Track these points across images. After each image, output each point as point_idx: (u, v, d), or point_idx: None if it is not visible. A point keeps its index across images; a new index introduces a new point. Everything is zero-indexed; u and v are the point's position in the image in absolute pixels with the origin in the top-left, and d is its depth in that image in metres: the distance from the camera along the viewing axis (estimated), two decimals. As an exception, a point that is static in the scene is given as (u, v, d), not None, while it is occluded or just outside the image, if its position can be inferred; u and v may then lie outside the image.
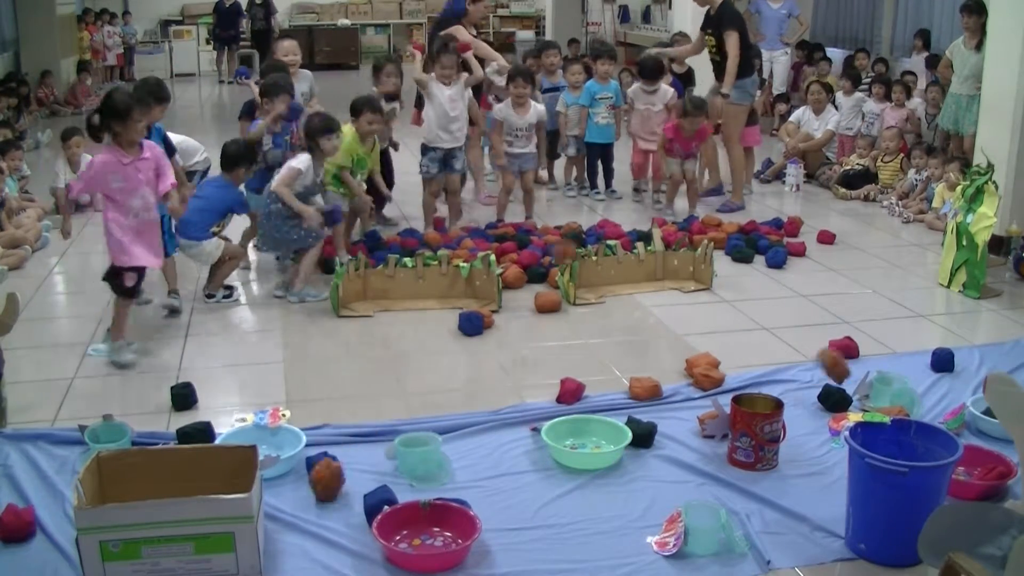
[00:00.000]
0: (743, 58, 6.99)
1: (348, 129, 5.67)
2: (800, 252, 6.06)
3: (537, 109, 6.62)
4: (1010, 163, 5.76)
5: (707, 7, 7.06)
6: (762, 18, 10.16)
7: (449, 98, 6.11)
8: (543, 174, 7.68)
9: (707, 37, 7.13)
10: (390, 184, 6.54)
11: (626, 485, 3.34)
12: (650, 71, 7.19)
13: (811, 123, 8.32)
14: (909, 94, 8.48)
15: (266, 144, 5.63)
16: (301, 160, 5.17)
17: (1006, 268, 5.66)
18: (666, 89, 7.15)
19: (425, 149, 6.25)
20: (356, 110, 5.77)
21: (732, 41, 6.89)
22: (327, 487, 3.21)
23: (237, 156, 5.44)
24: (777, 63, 10.19)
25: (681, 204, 7.06)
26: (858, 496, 2.93)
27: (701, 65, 7.83)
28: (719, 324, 4.94)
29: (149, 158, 4.46)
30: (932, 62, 9.31)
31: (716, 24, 7.02)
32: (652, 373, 4.10)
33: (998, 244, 5.71)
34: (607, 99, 7.26)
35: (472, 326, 4.72)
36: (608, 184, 7.60)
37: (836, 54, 11.69)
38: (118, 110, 4.30)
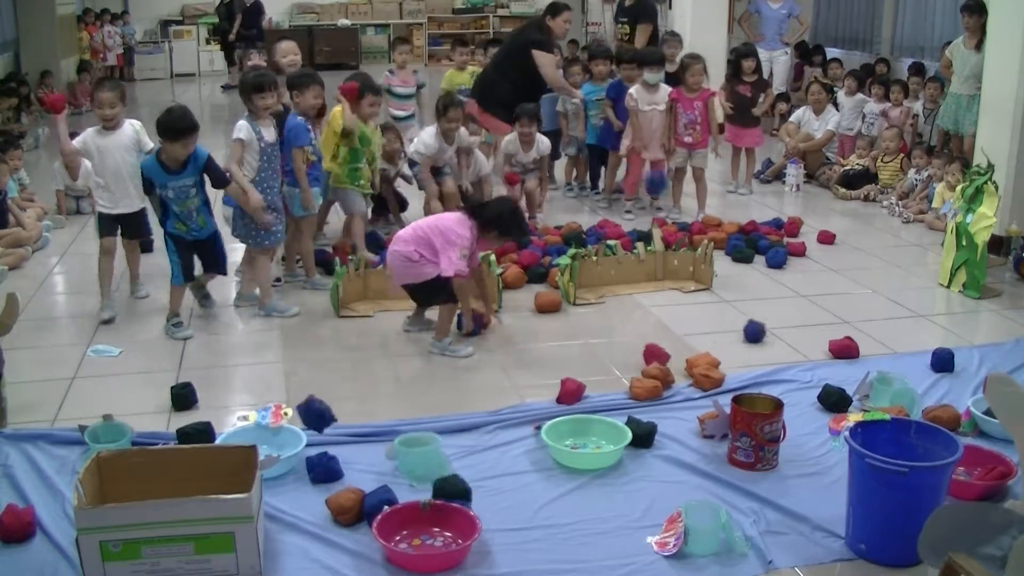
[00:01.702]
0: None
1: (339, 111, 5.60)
2: (800, 252, 6.06)
3: (541, 143, 6.69)
4: (1010, 163, 5.76)
5: None
6: (762, 18, 10.17)
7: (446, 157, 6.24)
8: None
9: (621, 26, 8.17)
10: (402, 205, 6.70)
11: (626, 485, 3.34)
12: (654, 59, 6.83)
13: (811, 123, 8.32)
14: (907, 94, 8.47)
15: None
16: (240, 128, 4.90)
17: (1006, 268, 5.66)
18: (665, 87, 6.88)
19: (412, 162, 6.32)
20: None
21: (643, 32, 7.92)
22: (349, 513, 3.09)
23: None
24: (777, 63, 10.18)
25: (687, 204, 7.07)
26: (858, 496, 2.93)
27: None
28: (719, 324, 4.94)
29: None
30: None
31: (633, 15, 8.16)
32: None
33: (998, 244, 5.71)
34: (604, 100, 7.22)
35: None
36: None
37: (835, 54, 11.69)
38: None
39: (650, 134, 6.84)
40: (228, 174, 4.86)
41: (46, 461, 3.46)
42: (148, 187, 4.77)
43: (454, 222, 4.56)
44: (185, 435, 3.52)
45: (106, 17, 15.46)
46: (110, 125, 4.94)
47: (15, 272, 5.78)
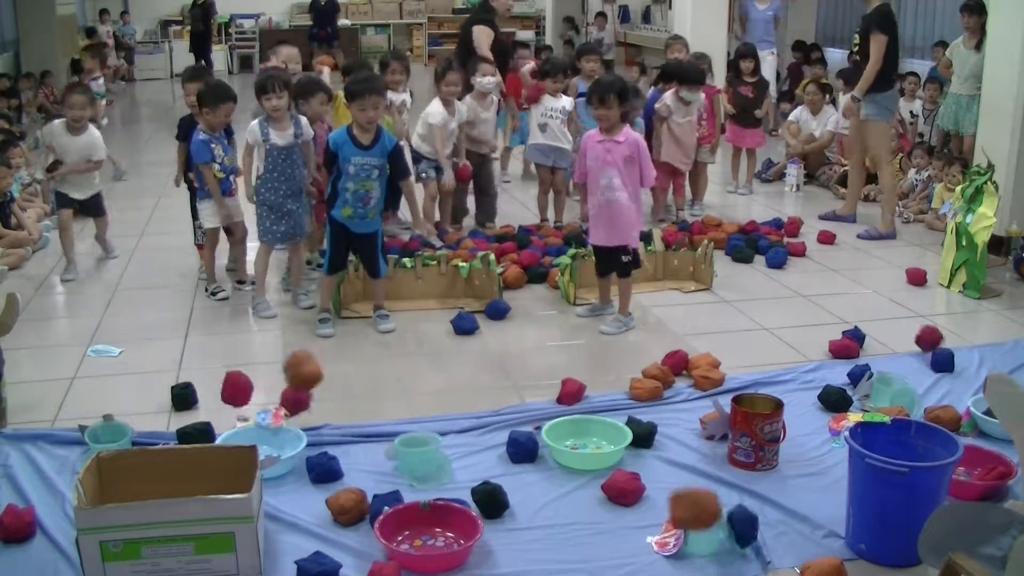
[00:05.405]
0: (885, 69, 6.31)
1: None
2: (800, 252, 6.07)
3: (569, 99, 6.51)
4: (1010, 163, 5.76)
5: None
6: (749, 19, 10.21)
7: (449, 132, 6.12)
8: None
9: (856, 35, 6.58)
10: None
11: (626, 485, 3.34)
12: (695, 76, 6.63)
13: (809, 123, 8.32)
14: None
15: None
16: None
17: (1006, 268, 5.67)
18: (699, 96, 6.76)
19: (419, 157, 6.18)
20: (384, 64, 6.05)
21: (876, 44, 6.23)
22: (349, 513, 3.08)
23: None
24: (764, 63, 10.18)
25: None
26: (858, 496, 2.93)
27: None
28: (719, 324, 4.94)
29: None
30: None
31: (865, 23, 6.39)
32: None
33: (998, 244, 5.71)
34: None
35: (465, 324, 4.74)
36: None
37: (836, 54, 11.71)
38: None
39: (684, 144, 6.75)
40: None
41: (46, 461, 3.46)
42: (330, 162, 4.65)
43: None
44: (185, 435, 3.52)
45: (107, 17, 15.49)
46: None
47: (15, 272, 5.78)
